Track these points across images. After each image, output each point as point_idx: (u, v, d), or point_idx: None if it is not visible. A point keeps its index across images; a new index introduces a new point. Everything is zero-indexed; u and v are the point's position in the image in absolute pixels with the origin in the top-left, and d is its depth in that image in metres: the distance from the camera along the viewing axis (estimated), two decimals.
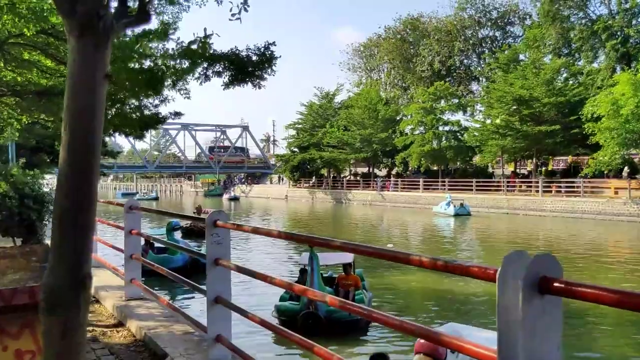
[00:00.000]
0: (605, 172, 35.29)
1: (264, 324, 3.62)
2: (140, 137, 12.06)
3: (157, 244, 15.94)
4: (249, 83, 7.79)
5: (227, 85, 7.67)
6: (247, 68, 6.92)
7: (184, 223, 22.93)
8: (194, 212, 26.33)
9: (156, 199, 72.46)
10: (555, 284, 1.61)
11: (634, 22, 43.94)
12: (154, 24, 6.97)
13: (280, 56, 7.62)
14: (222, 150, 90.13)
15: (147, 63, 7.52)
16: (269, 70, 7.65)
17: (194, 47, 5.73)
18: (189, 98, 8.83)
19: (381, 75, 74.68)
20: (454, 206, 36.81)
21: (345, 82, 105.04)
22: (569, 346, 9.35)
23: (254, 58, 6.90)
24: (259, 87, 7.77)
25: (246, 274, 3.70)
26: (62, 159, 1.78)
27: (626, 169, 34.46)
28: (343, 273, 11.37)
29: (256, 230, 3.58)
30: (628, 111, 30.30)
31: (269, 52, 6.98)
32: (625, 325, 10.83)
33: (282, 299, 10.93)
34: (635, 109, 30.21)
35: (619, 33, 43.63)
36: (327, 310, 9.80)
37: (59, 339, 1.70)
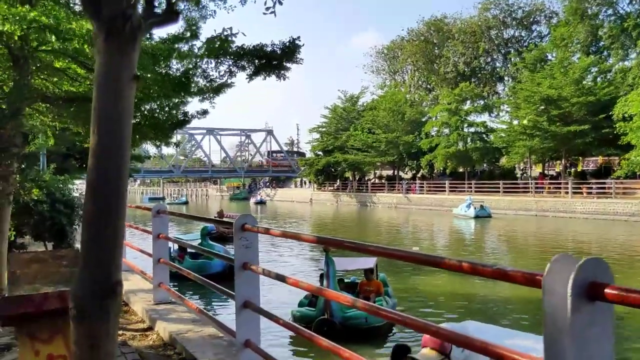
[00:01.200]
0: (638, 172, 34.42)
1: (293, 328, 3.56)
2: (166, 141, 12.13)
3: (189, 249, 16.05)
4: (273, 74, 7.75)
5: (251, 77, 7.65)
6: (272, 61, 6.89)
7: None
8: (214, 217, 26.41)
9: (186, 203, 73.29)
10: (606, 290, 1.51)
11: None
12: (180, 26, 6.99)
13: (304, 44, 7.55)
14: (277, 153, 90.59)
15: (176, 66, 7.55)
16: (294, 59, 7.58)
17: (217, 44, 5.68)
18: (213, 107, 8.84)
19: (405, 77, 74.28)
20: (474, 208, 36.63)
21: (369, 85, 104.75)
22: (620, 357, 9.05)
23: (279, 52, 6.87)
24: (283, 78, 7.73)
25: (275, 279, 3.65)
26: (91, 164, 1.75)
27: None
28: (365, 279, 11.23)
29: (284, 234, 3.53)
30: None
31: (294, 44, 6.94)
32: None
33: (300, 304, 10.86)
34: None
35: None
36: (343, 317, 9.67)
37: (88, 349, 1.67)
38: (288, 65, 7.64)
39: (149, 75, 6.02)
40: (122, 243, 1.84)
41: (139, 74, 1.74)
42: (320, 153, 65.12)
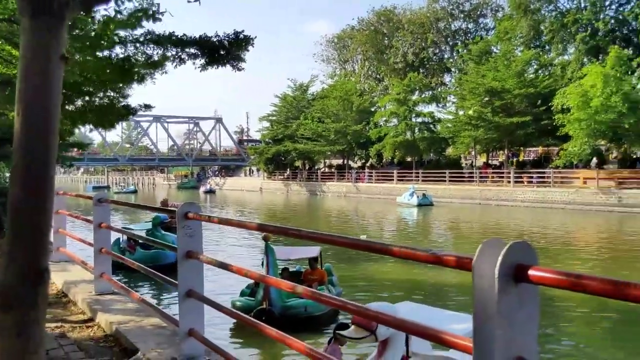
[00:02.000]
0: (575, 162, 36.03)
1: (237, 316, 3.56)
2: (110, 128, 11.77)
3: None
4: (228, 65, 7.63)
5: (204, 67, 7.52)
6: (220, 51, 6.79)
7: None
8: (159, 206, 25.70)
9: (134, 192, 71.19)
10: (530, 272, 1.58)
11: (602, 15, 44.77)
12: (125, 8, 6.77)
13: (256, 36, 7.49)
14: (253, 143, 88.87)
15: (117, 51, 7.32)
16: (247, 50, 7.49)
17: (139, 14, 5.48)
18: (153, 83, 8.62)
19: (355, 66, 74.73)
20: (417, 196, 37.73)
21: (319, 74, 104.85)
22: (545, 335, 9.53)
23: (226, 43, 6.77)
24: (238, 69, 7.63)
25: (219, 267, 3.63)
26: (16, 146, 1.67)
27: (594, 159, 35.25)
28: (309, 268, 11.23)
29: (228, 222, 3.51)
30: (597, 103, 30.93)
31: (242, 36, 6.86)
32: (598, 313, 11.07)
33: (242, 293, 10.79)
34: (605, 101, 30.85)
35: (588, 26, 44.42)
36: (282, 306, 9.64)
37: (15, 338, 1.61)
38: (243, 56, 7.54)
39: (88, 59, 5.82)
40: (49, 229, 1.78)
41: (67, 54, 1.66)
42: (270, 142, 64.82)
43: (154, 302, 6.26)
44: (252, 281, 10.47)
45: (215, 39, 6.74)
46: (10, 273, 1.64)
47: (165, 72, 8.12)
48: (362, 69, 72.00)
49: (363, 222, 31.47)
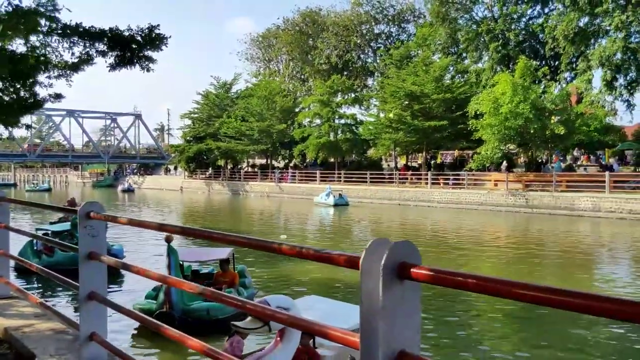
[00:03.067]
0: (487, 165, 37.96)
1: (139, 319, 3.47)
2: (14, 124, 11.11)
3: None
4: (137, 65, 7.40)
5: (113, 67, 7.25)
6: (131, 47, 6.56)
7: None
8: (64, 205, 24.50)
9: (49, 190, 67.01)
10: (413, 270, 1.66)
11: (513, 26, 47.48)
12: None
13: (170, 36, 7.29)
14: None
15: (18, 47, 6.93)
16: (158, 50, 7.31)
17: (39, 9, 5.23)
18: (69, 85, 8.24)
19: (280, 66, 74.73)
20: (334, 196, 38.72)
21: (243, 72, 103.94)
22: (431, 330, 9.97)
23: (139, 38, 6.56)
24: (148, 70, 7.41)
25: (122, 268, 3.52)
26: None
27: (505, 163, 37.28)
28: (220, 270, 11.02)
29: (131, 222, 3.41)
30: (507, 109, 32.76)
31: (156, 33, 6.67)
32: (493, 311, 11.72)
33: (147, 296, 10.51)
34: (513, 108, 32.73)
35: (500, 36, 46.96)
36: (183, 310, 9.48)
37: None
38: (153, 56, 7.33)
39: None
40: None
41: None
42: (191, 140, 63.48)
43: (55, 306, 5.96)
44: (159, 283, 10.21)
45: (127, 33, 6.51)
46: None
47: (82, 70, 7.77)
48: (287, 69, 72.16)
49: (284, 221, 31.55)
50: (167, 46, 7.31)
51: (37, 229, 17.47)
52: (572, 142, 36.68)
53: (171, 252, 9.77)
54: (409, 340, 1.73)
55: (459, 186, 38.46)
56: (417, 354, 1.72)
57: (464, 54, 51.58)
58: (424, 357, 1.70)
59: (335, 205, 37.83)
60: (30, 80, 7.86)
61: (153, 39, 6.54)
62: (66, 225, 16.15)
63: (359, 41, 64.04)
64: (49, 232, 15.64)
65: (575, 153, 41.55)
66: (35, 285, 13.08)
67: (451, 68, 45.40)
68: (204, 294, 2.58)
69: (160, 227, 2.91)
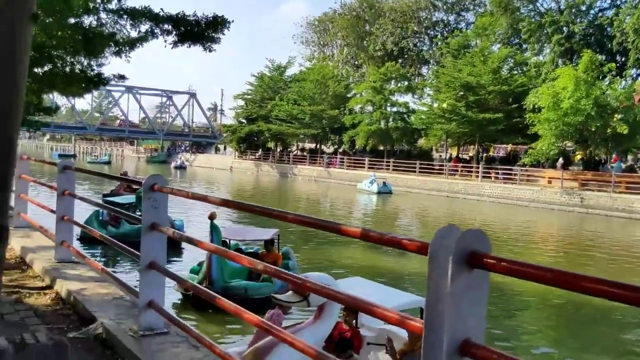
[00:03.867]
0: (542, 161, 36.81)
1: (197, 290, 3.57)
2: (78, 95, 11.50)
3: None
4: (199, 44, 7.53)
5: (175, 44, 7.40)
6: (195, 30, 6.68)
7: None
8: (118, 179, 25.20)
9: (108, 162, 69.49)
10: (484, 259, 1.64)
11: (578, 19, 45.56)
12: None
13: (233, 20, 7.39)
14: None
15: (89, 20, 7.14)
16: (221, 33, 7.40)
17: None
18: (127, 61, 8.47)
19: (334, 51, 74.47)
20: (377, 184, 38.51)
21: (298, 56, 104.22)
22: (494, 320, 9.83)
23: (202, 23, 6.68)
24: (210, 50, 7.52)
25: (183, 241, 3.63)
26: None
27: (561, 159, 36.06)
28: (264, 250, 11.09)
29: (193, 196, 3.50)
30: (567, 105, 31.58)
31: (220, 18, 6.77)
32: (547, 305, 11.45)
33: (191, 270, 10.74)
34: (574, 104, 31.52)
35: (564, 28, 45.17)
36: (222, 287, 9.61)
37: None
38: (217, 36, 7.44)
39: (50, 20, 5.66)
40: (9, 186, 1.76)
41: (37, 13, 1.63)
42: (243, 121, 64.28)
43: (115, 272, 6.21)
44: (203, 258, 10.46)
45: (192, 18, 6.65)
46: None
47: (141, 46, 7.97)
48: (341, 54, 71.83)
49: (332, 206, 31.65)
50: (229, 29, 7.41)
51: (103, 200, 17.98)
52: (635, 143, 35.01)
53: (214, 230, 9.99)
54: (474, 329, 1.72)
55: (510, 181, 37.50)
56: (481, 343, 1.71)
57: (525, 46, 49.95)
58: (488, 347, 1.68)
59: (379, 193, 37.71)
60: (98, 57, 8.10)
61: (216, 23, 6.64)
62: (131, 198, 16.55)
63: (416, 28, 62.98)
64: (115, 203, 16.07)
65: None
66: (97, 252, 13.62)
67: (510, 60, 44.00)
68: (255, 267, 2.63)
69: (224, 203, 2.98)
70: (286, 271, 2.68)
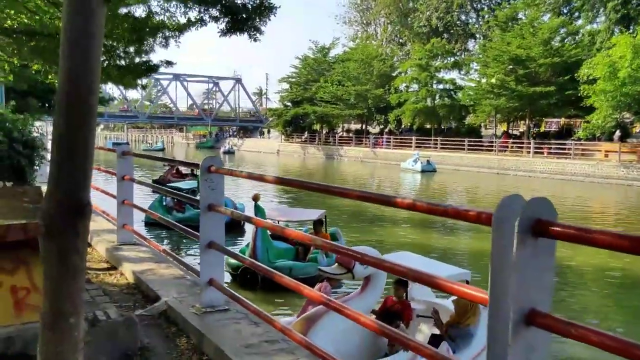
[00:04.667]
0: (597, 135, 35.41)
1: (256, 267, 3.66)
2: (131, 86, 11.85)
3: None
4: (246, 33, 7.61)
5: (224, 33, 7.50)
6: (242, 15, 6.75)
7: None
8: (164, 165, 25.89)
9: (162, 149, 71.58)
10: (550, 227, 1.62)
11: None
12: None
13: (279, 6, 7.42)
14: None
15: (139, 10, 7.32)
16: (267, 19, 7.47)
17: None
18: (178, 46, 8.64)
19: (378, 30, 73.46)
20: (421, 163, 38.35)
21: (341, 36, 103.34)
22: (558, 291, 9.65)
23: (249, 6, 6.73)
24: (255, 40, 7.60)
25: (240, 219, 3.72)
26: (62, 81, 1.72)
27: (618, 132, 34.58)
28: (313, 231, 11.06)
29: (250, 176, 3.58)
30: (625, 74, 30.16)
31: (266, 3, 6.82)
32: (609, 278, 11.14)
33: (241, 251, 10.91)
34: (633, 72, 30.07)
35: None
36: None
37: (57, 263, 1.70)
38: (262, 26, 7.50)
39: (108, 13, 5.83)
40: (92, 162, 1.86)
41: None
42: (289, 104, 64.56)
43: (175, 253, 6.44)
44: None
45: (240, 1, 6.72)
46: (53, 202, 1.72)
47: (189, 31, 8.13)
48: (385, 32, 70.76)
49: (378, 186, 31.54)
50: (275, 15, 7.46)
51: (167, 186, 18.59)
52: None
53: (258, 211, 10.16)
54: (540, 298, 1.70)
55: (564, 156, 36.28)
56: (548, 312, 1.69)
57: (577, 14, 47.80)
58: (555, 315, 1.67)
59: (423, 171, 37.53)
60: (148, 45, 8.31)
61: (263, 8, 6.69)
62: (192, 183, 16.94)
63: (461, 1, 61.25)
64: (177, 188, 16.46)
65: None
66: (157, 235, 14.11)
67: (562, 30, 42.25)
68: (301, 239, 2.68)
69: (280, 181, 3.03)
70: (333, 242, 2.74)
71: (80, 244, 1.74)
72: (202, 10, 6.96)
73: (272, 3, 7.27)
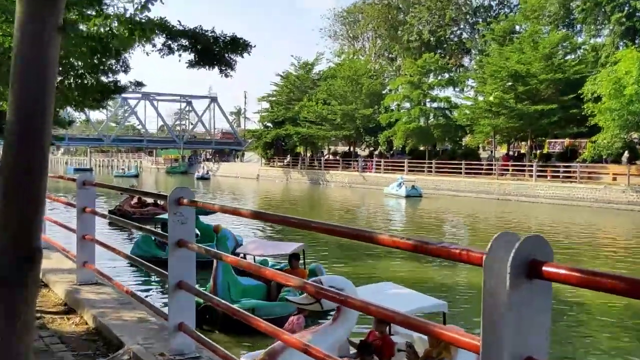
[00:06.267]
0: (604, 156, 35.94)
1: (231, 310, 3.64)
2: (96, 107, 11.87)
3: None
4: (216, 67, 7.68)
5: (191, 65, 7.57)
6: (212, 50, 6.86)
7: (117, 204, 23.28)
8: (121, 194, 25.72)
9: (136, 176, 70.52)
10: (546, 268, 1.64)
11: None
12: None
13: (255, 46, 7.53)
14: None
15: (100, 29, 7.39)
16: (241, 56, 7.58)
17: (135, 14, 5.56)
18: (125, 72, 8.76)
19: (365, 44, 74.50)
20: (406, 187, 38.77)
21: (326, 51, 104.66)
22: (556, 334, 9.67)
23: (221, 42, 6.83)
24: (227, 76, 7.67)
25: (213, 257, 3.71)
26: (10, 117, 1.73)
27: (626, 153, 35.13)
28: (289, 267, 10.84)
29: (223, 209, 3.58)
30: (632, 91, 30.80)
31: (240, 39, 6.93)
32: (614, 315, 11.20)
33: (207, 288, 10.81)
34: None
35: (624, 6, 44.09)
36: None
37: (3, 317, 1.68)
38: (234, 60, 7.57)
39: (74, 28, 5.88)
40: (43, 209, 1.85)
41: (64, 25, 1.72)
42: (269, 125, 64.82)
43: (141, 293, 6.36)
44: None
45: (210, 35, 6.82)
46: (2, 250, 1.70)
47: (170, 53, 8.23)
48: (374, 47, 71.80)
49: (370, 215, 31.57)
50: (250, 54, 7.59)
51: (154, 218, 18.58)
52: None
53: (220, 244, 10.02)
54: (537, 345, 1.71)
55: (569, 180, 36.76)
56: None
57: (579, 27, 48.97)
58: None
59: (408, 196, 37.90)
60: (113, 65, 8.36)
61: (237, 45, 6.80)
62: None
63: (454, 15, 62.49)
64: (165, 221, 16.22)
65: None
66: (124, 272, 13.93)
67: (563, 44, 43.18)
68: (258, 272, 2.68)
69: (256, 215, 3.04)
70: (297, 278, 2.77)
71: (30, 296, 1.72)
72: (169, 37, 7.03)
73: (247, 41, 7.37)
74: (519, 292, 1.66)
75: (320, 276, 7.52)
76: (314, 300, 5.43)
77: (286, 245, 11.99)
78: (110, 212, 21.51)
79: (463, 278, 14.40)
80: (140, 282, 13.46)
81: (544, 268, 1.64)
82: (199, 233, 14.89)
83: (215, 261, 9.81)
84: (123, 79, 10.36)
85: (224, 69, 7.28)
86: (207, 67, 7.33)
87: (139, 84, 10.92)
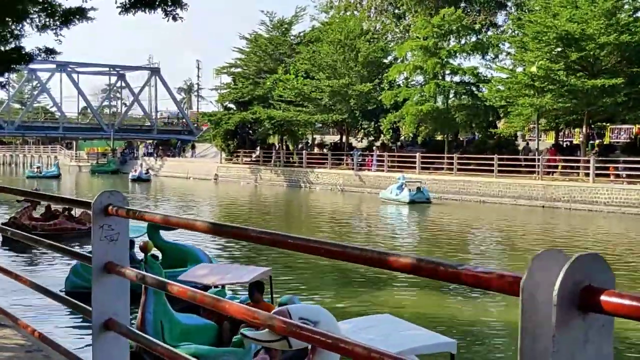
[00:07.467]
0: None
1: (171, 356, 3.62)
2: None
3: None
4: (159, 8, 7.66)
5: (125, 9, 7.54)
6: None
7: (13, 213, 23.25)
8: (18, 201, 25.49)
9: (58, 176, 70.23)
10: (605, 298, 1.65)
11: None
12: None
13: None
14: None
15: None
16: None
17: None
18: (59, 42, 8.73)
19: None
20: (409, 190, 39.00)
21: (309, 5, 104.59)
22: None
23: None
24: (175, 18, 7.65)
25: (155, 287, 3.69)
26: None
27: None
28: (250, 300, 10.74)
29: (168, 221, 3.57)
30: None
31: None
32: None
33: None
34: None
35: None
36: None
37: None
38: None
39: None
40: None
41: None
42: (232, 106, 64.71)
43: (57, 336, 6.29)
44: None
45: None
46: None
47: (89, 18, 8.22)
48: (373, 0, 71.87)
49: (362, 228, 31.61)
50: None
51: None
52: None
53: (151, 268, 10.03)
54: None
55: (639, 179, 37.05)
56: None
57: None
58: None
59: (412, 202, 38.21)
60: (15, 29, 8.36)
61: None
62: (140, 229, 16.17)
63: None
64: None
65: None
66: (35, 309, 13.80)
67: None
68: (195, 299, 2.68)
69: (215, 230, 3.03)
70: (265, 312, 2.76)
71: None
72: None
73: None
74: (568, 330, 1.67)
75: (289, 305, 7.50)
76: (279, 337, 5.53)
77: (248, 270, 11.98)
78: (3, 225, 21.21)
79: (480, 309, 14.58)
80: (59, 322, 13.37)
81: (602, 298, 1.66)
82: (159, 255, 14.77)
83: (143, 292, 9.78)
84: (29, 44, 10.31)
85: (170, 8, 7.26)
86: (146, 8, 7.31)
87: (51, 52, 10.87)
